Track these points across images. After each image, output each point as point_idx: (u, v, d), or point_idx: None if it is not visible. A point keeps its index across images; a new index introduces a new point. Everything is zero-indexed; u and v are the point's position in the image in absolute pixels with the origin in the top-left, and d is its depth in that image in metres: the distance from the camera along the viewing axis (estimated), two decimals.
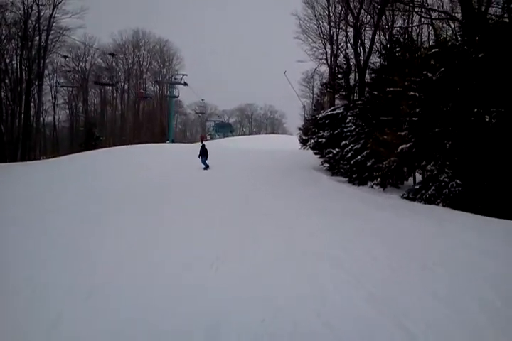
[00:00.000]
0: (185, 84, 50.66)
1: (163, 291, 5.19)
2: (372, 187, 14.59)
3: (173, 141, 47.38)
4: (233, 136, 68.40)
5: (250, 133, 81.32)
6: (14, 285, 5.54)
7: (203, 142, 31.12)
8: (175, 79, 53.10)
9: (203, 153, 19.93)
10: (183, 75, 51.08)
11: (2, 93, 37.47)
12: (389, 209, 10.77)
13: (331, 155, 18.27)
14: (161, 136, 53.20)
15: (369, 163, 15.04)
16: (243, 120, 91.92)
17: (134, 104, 59.59)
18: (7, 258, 6.74)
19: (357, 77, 21.01)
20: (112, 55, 51.36)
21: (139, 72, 59.34)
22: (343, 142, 17.13)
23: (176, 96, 53.42)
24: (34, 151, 39.16)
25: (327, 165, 18.90)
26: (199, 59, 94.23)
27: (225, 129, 71.58)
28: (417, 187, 12.36)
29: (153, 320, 4.45)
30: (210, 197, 12.20)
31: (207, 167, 19.41)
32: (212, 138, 64.72)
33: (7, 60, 38.49)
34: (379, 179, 14.36)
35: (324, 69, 32.47)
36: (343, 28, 26.18)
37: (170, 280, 5.55)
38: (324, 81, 31.98)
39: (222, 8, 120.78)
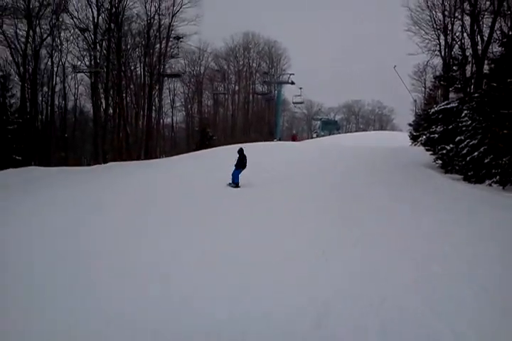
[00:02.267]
0: (292, 83, 51.33)
1: None
2: (490, 185, 13.76)
3: (280, 139, 48.43)
4: (339, 133, 67.73)
5: (357, 130, 79.66)
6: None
7: (295, 141, 29.94)
8: (282, 78, 54.08)
9: (240, 164, 14.63)
10: (290, 74, 51.76)
11: (128, 98, 41.46)
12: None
13: (444, 151, 17.45)
14: (269, 134, 54.62)
15: (487, 160, 14.17)
16: (350, 117, 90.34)
17: (244, 105, 61.93)
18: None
19: (474, 69, 19.76)
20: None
21: (249, 73, 61.40)
22: (458, 137, 16.31)
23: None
24: (155, 151, 42.54)
25: (440, 162, 18.09)
26: (306, 57, 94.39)
27: (331, 127, 71.10)
28: None
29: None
30: (329, 198, 12.13)
31: (236, 184, 14.40)
32: (318, 136, 64.78)
33: (132, 67, 42.52)
34: (498, 177, 13.51)
35: (437, 61, 30.90)
36: (459, 16, 24.70)
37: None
38: (437, 74, 30.36)
39: (328, 4, 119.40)
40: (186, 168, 19.10)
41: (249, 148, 23.24)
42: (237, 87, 60.78)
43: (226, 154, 20.57)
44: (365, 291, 5.28)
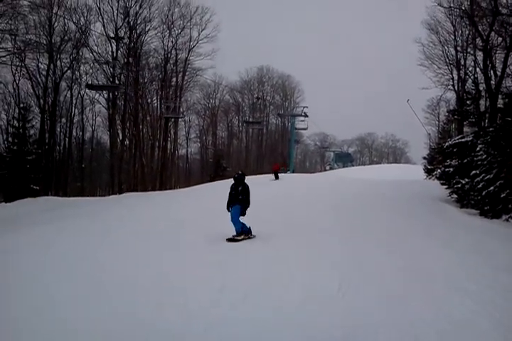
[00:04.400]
0: (305, 115, 51.90)
1: None
2: (507, 220, 13.50)
3: (293, 171, 48.49)
4: (353, 165, 67.66)
5: (370, 163, 79.63)
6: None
7: (277, 173, 26.94)
8: (296, 111, 54.77)
9: (235, 199, 10.02)
10: (304, 107, 52.42)
11: (144, 129, 42.27)
12: None
13: (459, 185, 17.27)
14: (282, 166, 54.77)
15: (503, 194, 13.96)
16: (363, 149, 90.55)
17: (257, 137, 62.68)
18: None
19: (487, 103, 19.81)
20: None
21: (263, 106, 62.41)
22: (473, 172, 16.15)
23: (304, 129, 54.65)
24: (170, 181, 42.89)
25: (455, 196, 17.87)
26: (319, 90, 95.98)
27: (344, 159, 71.20)
28: None
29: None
30: (339, 230, 11.55)
31: (241, 234, 9.80)
32: (331, 169, 64.81)
33: (149, 100, 43.60)
34: None
35: (451, 95, 31.13)
36: (471, 52, 25.04)
37: None
38: (451, 108, 30.60)
39: (341, 40, 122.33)
40: (198, 200, 19.07)
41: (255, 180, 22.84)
42: (250, 119, 61.69)
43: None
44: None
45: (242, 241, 9.70)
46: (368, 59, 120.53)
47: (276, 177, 27.31)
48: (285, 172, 38.41)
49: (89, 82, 36.70)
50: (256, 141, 62.76)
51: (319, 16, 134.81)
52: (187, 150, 56.92)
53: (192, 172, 56.50)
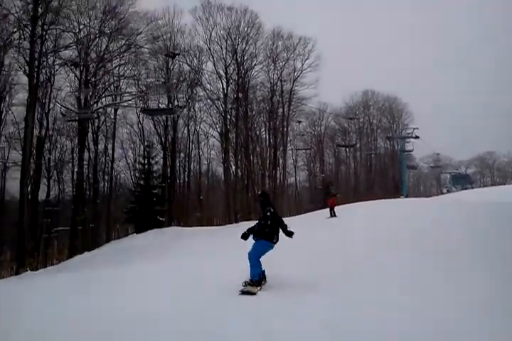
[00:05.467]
0: (416, 137, 49.79)
1: None
2: None
3: (407, 196, 46.35)
4: (473, 188, 62.72)
5: (493, 185, 73.15)
6: None
7: (332, 206, 20.80)
8: (406, 133, 52.85)
9: (261, 231, 7.14)
10: (414, 129, 50.42)
11: (254, 160, 43.72)
12: None
13: None
14: (395, 190, 52.74)
15: None
16: (483, 170, 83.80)
17: (366, 162, 61.40)
18: None
19: None
20: (351, 118, 54.36)
21: (370, 130, 61.32)
22: None
23: (409, 151, 52.66)
24: (281, 209, 43.38)
25: None
26: (431, 111, 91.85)
27: (462, 181, 66.25)
28: None
29: None
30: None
31: (257, 284, 6.97)
32: (448, 192, 60.72)
33: (257, 132, 45.25)
34: None
35: None
36: None
37: None
38: None
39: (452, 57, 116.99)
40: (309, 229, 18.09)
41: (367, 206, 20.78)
42: (358, 145, 60.81)
43: (347, 212, 20.25)
44: None
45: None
46: (482, 73, 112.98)
47: (333, 215, 21.80)
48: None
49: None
50: (364, 165, 61.47)
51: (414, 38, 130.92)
52: (295, 178, 57.58)
53: (301, 200, 56.72)
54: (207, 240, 19.09)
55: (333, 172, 59.81)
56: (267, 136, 45.65)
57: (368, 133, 61.23)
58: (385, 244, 10.58)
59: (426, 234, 11.56)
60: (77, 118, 28.86)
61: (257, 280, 6.91)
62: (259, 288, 6.89)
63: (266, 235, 7.01)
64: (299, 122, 50.15)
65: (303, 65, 43.08)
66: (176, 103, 38.93)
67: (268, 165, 44.54)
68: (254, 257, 6.99)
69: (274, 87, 43.16)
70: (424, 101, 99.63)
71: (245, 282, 6.88)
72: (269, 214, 7.02)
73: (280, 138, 44.90)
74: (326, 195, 37.11)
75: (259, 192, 7.90)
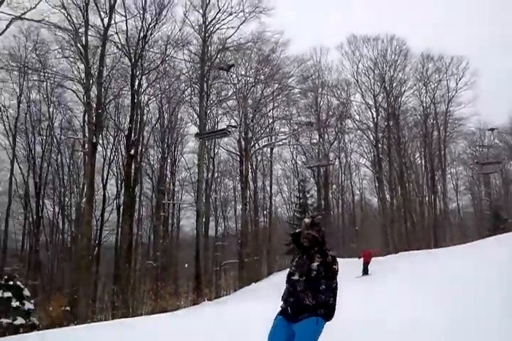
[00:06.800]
0: None
1: None
2: None
3: None
4: None
5: None
6: None
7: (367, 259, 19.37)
8: None
9: (303, 299, 3.46)
10: None
11: (410, 186, 42.07)
12: None
13: None
14: None
15: None
16: None
17: None
18: None
19: None
20: None
21: None
22: None
23: None
24: (444, 238, 40.81)
25: None
26: None
27: None
28: None
29: None
30: None
31: None
32: None
33: (411, 158, 43.68)
34: None
35: None
36: None
37: None
38: None
39: None
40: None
41: None
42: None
43: None
44: None
45: None
46: None
47: (366, 272, 19.54)
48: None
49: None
50: None
51: None
52: (457, 204, 53.29)
53: (466, 228, 52.13)
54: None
55: (502, 195, 53.95)
56: (423, 162, 43.83)
57: None
58: None
59: None
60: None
61: None
62: None
63: (327, 308, 3.56)
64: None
65: (457, 84, 40.76)
66: (325, 137, 39.93)
67: (426, 192, 42.51)
68: None
69: (427, 110, 41.53)
70: None
71: None
72: (335, 267, 3.64)
73: (437, 162, 42.70)
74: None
75: (308, 220, 3.80)
